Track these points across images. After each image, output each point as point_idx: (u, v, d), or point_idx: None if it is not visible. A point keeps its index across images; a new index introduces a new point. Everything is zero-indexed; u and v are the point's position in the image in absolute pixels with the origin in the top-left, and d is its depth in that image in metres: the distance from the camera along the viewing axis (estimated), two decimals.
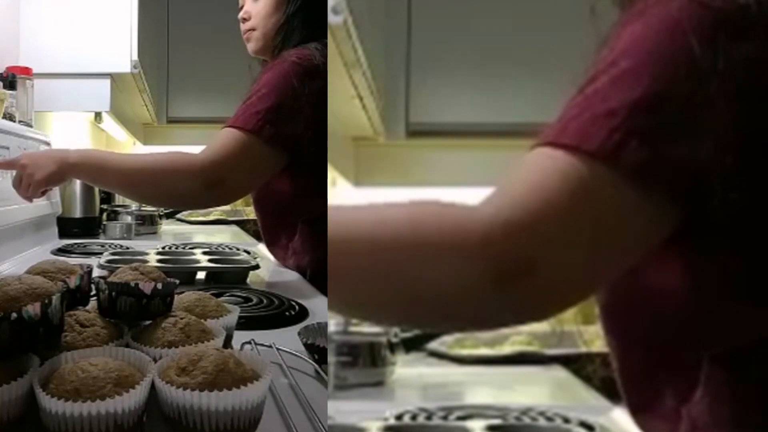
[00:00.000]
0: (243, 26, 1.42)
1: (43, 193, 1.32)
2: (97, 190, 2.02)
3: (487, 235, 0.48)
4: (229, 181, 1.25)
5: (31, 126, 1.77)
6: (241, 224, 2.69)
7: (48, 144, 1.77)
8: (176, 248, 1.66)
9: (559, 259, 0.49)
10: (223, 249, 1.66)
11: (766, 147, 0.49)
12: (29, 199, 1.31)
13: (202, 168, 1.22)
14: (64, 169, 1.26)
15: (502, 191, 0.51)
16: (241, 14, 1.42)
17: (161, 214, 2.35)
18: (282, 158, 1.27)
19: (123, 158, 1.34)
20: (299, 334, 0.80)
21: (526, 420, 0.99)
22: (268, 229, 1.49)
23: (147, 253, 1.37)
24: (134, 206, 2.38)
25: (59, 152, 1.33)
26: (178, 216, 2.83)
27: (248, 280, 1.28)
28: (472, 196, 0.54)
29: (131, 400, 0.50)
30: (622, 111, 0.49)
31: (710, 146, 0.49)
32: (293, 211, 1.38)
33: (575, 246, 0.49)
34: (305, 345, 0.78)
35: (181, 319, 0.65)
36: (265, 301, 1.06)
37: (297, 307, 1.04)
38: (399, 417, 0.99)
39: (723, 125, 0.49)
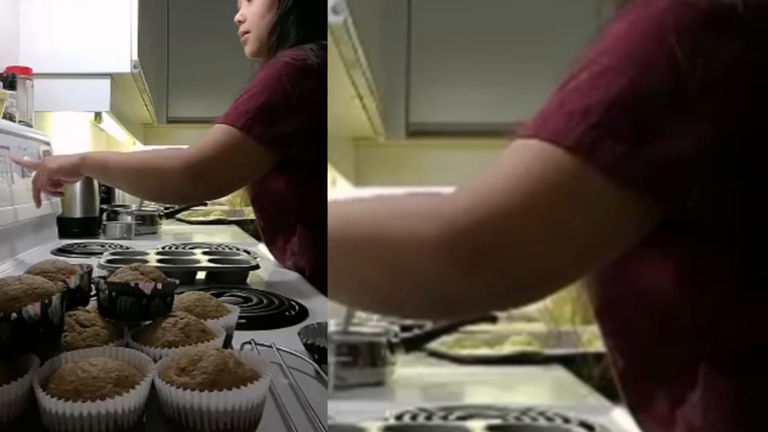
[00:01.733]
0: (240, 29, 1.43)
1: (55, 186, 1.41)
2: (97, 190, 2.02)
3: (449, 223, 0.49)
4: (213, 176, 1.26)
5: (31, 126, 1.77)
6: (241, 224, 2.69)
7: (48, 144, 1.77)
8: (176, 248, 1.66)
9: (519, 249, 0.49)
10: (223, 249, 1.66)
11: (746, 147, 0.49)
12: (45, 189, 1.41)
13: (187, 161, 1.24)
14: (75, 162, 1.34)
15: (474, 181, 0.52)
16: (237, 17, 1.43)
17: (161, 214, 2.35)
18: (271, 157, 1.28)
19: (123, 154, 1.44)
20: (299, 334, 0.80)
21: (526, 420, 0.99)
22: (266, 229, 1.50)
23: (147, 253, 1.37)
24: (134, 206, 2.38)
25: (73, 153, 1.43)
26: (178, 216, 2.83)
27: (248, 280, 1.28)
28: None
29: (131, 400, 0.50)
30: (599, 108, 0.49)
31: (688, 146, 0.48)
32: (290, 212, 1.38)
33: (537, 237, 0.50)
34: (305, 345, 0.78)
35: (181, 319, 0.65)
36: (265, 301, 1.06)
37: (297, 307, 1.04)
38: (399, 417, 0.99)
39: (702, 125, 0.48)
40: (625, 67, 0.50)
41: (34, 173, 1.44)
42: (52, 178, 1.38)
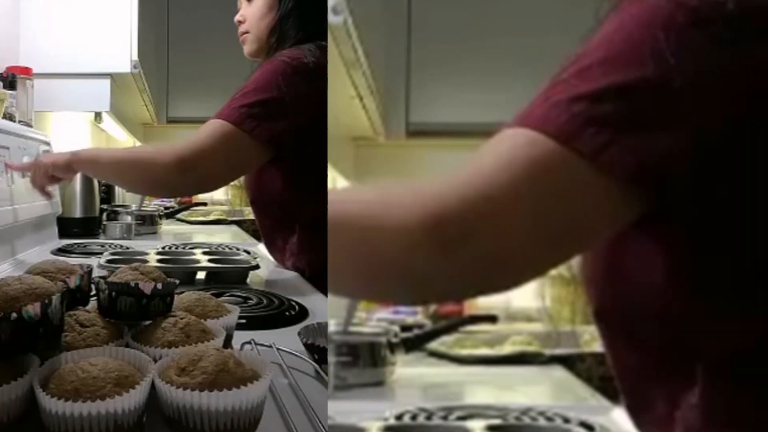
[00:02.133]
0: (240, 29, 1.44)
1: (53, 181, 1.42)
2: (97, 190, 2.02)
3: (428, 208, 0.50)
4: (203, 169, 1.26)
5: (31, 126, 1.77)
6: (241, 224, 2.69)
7: (48, 144, 1.77)
8: (176, 248, 1.66)
9: (498, 234, 0.50)
10: (223, 249, 1.67)
11: (732, 145, 0.49)
12: (42, 186, 1.41)
13: (177, 153, 1.24)
14: (68, 158, 1.35)
15: (456, 169, 0.52)
16: (236, 17, 1.44)
17: (161, 214, 2.35)
18: (263, 153, 1.28)
19: (114, 149, 1.46)
20: (299, 334, 0.80)
21: (526, 420, 0.99)
22: (265, 230, 1.50)
23: (147, 253, 1.37)
24: (134, 206, 2.38)
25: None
26: (178, 216, 2.83)
27: (248, 280, 1.28)
28: None
29: (131, 400, 0.50)
30: (585, 99, 0.50)
31: (671, 140, 0.49)
32: (289, 213, 1.38)
33: (516, 222, 0.50)
34: (305, 345, 0.78)
35: (181, 319, 0.65)
36: (265, 301, 1.06)
37: (297, 307, 1.04)
38: (399, 417, 0.99)
39: (686, 121, 0.49)
40: (613, 62, 0.50)
41: (29, 174, 1.44)
42: (48, 174, 1.39)
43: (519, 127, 0.52)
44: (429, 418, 1.00)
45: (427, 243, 0.49)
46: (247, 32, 1.42)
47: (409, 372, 1.36)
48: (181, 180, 1.27)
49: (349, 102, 1.65)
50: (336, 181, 1.98)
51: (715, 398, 0.55)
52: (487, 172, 0.50)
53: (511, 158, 0.50)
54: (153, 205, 2.52)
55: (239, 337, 0.77)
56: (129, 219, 2.13)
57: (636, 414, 0.65)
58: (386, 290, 0.58)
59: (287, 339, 0.81)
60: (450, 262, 0.50)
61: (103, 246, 1.69)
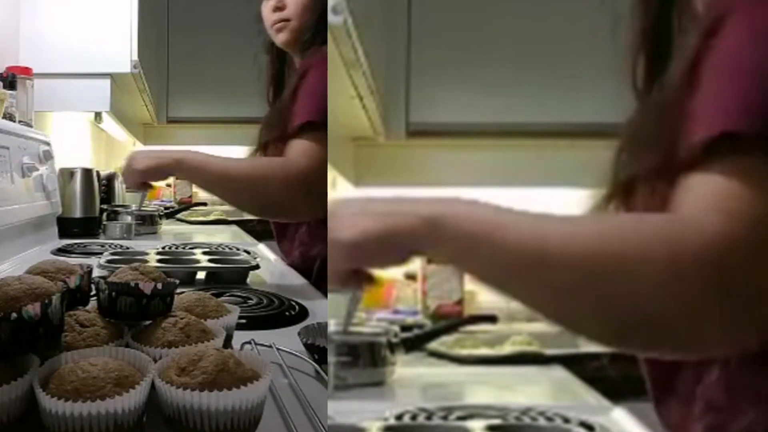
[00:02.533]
0: (276, 15, 1.38)
1: (143, 186, 1.31)
2: (97, 190, 2.02)
3: (701, 256, 0.47)
4: (319, 187, 1.22)
5: (31, 126, 1.77)
6: (241, 224, 2.69)
7: (48, 144, 1.77)
8: (176, 248, 1.66)
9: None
10: (223, 249, 1.67)
11: None
12: (132, 188, 1.33)
13: (299, 175, 1.20)
14: (165, 163, 1.26)
15: (715, 204, 0.50)
16: (275, 3, 1.38)
17: (161, 214, 2.35)
18: None
19: (222, 161, 1.30)
20: (299, 334, 0.80)
21: (526, 420, 0.99)
22: (279, 222, 1.49)
23: (147, 253, 1.37)
24: (134, 206, 2.38)
25: (165, 150, 1.34)
26: (178, 216, 2.83)
27: (248, 280, 1.28)
28: (472, 196, 0.54)
29: (131, 400, 0.50)
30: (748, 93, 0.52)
31: None
32: None
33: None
34: (305, 345, 0.78)
35: (181, 319, 0.65)
36: (265, 301, 1.06)
37: (297, 307, 1.04)
38: (399, 417, 0.99)
39: None
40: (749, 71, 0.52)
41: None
42: (138, 180, 1.30)
43: (708, 142, 0.51)
44: (429, 418, 1.00)
45: (712, 295, 0.47)
46: (287, 20, 1.37)
47: (409, 372, 1.36)
48: (302, 200, 1.22)
49: (349, 102, 1.65)
50: (336, 181, 1.98)
51: (737, 377, 0.55)
52: (736, 215, 0.49)
53: (753, 193, 0.49)
54: (153, 205, 2.51)
55: (239, 337, 0.77)
56: (129, 219, 2.13)
57: (658, 393, 0.65)
58: (659, 342, 0.53)
59: (287, 339, 0.81)
60: (736, 311, 0.48)
61: (103, 246, 1.69)
